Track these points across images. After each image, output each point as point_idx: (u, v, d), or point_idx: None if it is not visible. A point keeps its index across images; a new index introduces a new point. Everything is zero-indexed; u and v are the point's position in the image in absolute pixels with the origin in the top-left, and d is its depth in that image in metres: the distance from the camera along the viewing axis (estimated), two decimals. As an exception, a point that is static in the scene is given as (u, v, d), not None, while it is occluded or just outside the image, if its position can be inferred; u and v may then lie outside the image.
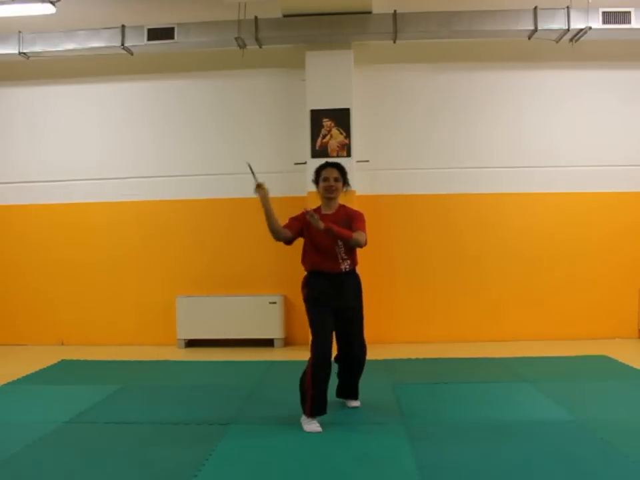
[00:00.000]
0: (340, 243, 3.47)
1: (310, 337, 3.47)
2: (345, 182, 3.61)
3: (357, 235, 3.44)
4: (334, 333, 3.56)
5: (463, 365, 5.02)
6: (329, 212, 3.58)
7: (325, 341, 3.42)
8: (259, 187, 3.49)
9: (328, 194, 3.56)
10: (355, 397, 3.85)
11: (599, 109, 6.13)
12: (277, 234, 3.50)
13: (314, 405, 3.39)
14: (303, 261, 3.62)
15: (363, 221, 3.56)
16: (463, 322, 6.11)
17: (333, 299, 3.49)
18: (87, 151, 6.41)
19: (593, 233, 6.11)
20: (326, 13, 5.66)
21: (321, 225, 3.29)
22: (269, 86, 6.28)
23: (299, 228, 3.56)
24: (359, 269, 3.67)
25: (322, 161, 5.61)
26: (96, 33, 5.88)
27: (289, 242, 3.59)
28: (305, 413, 3.43)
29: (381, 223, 5.83)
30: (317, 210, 3.59)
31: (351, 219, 3.54)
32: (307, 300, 3.56)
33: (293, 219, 3.60)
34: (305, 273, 3.62)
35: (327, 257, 3.51)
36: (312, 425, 3.36)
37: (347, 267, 3.53)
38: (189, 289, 6.25)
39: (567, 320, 6.06)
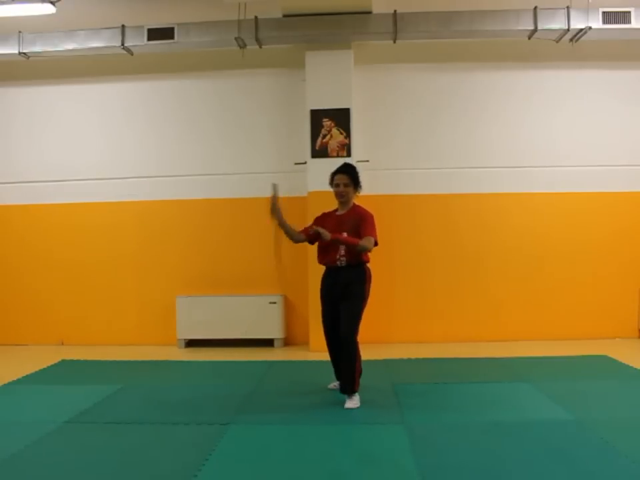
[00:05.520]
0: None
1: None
2: (356, 185, 3.96)
3: (364, 242, 3.74)
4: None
5: (463, 365, 5.02)
6: (342, 212, 3.97)
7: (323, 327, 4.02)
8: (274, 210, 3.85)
9: (339, 198, 3.97)
10: (344, 390, 3.84)
11: (599, 109, 6.13)
12: (293, 239, 4.00)
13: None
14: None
15: (372, 223, 3.86)
16: (462, 322, 6.11)
17: (332, 290, 3.93)
18: (87, 151, 6.41)
19: (593, 233, 6.11)
20: (326, 13, 5.66)
21: (328, 236, 3.69)
22: (269, 86, 6.28)
23: (313, 232, 3.92)
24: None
25: (322, 160, 5.72)
26: (96, 33, 5.88)
27: (309, 242, 4.04)
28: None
29: (381, 223, 5.70)
30: (333, 211, 4.02)
31: (360, 222, 3.83)
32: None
33: (307, 227, 4.07)
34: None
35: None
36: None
37: (343, 262, 3.87)
38: (188, 288, 6.25)
39: (567, 320, 6.06)
